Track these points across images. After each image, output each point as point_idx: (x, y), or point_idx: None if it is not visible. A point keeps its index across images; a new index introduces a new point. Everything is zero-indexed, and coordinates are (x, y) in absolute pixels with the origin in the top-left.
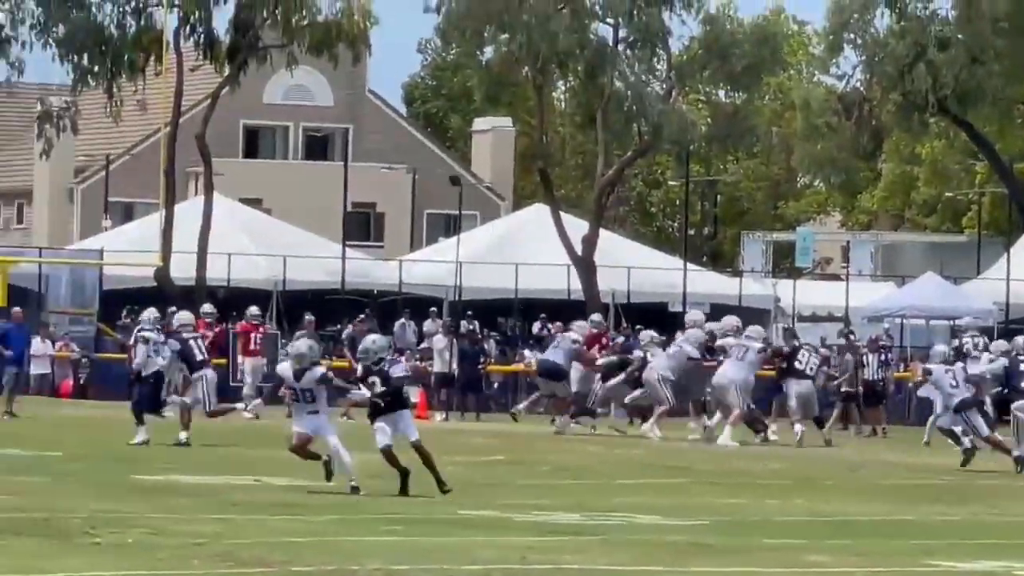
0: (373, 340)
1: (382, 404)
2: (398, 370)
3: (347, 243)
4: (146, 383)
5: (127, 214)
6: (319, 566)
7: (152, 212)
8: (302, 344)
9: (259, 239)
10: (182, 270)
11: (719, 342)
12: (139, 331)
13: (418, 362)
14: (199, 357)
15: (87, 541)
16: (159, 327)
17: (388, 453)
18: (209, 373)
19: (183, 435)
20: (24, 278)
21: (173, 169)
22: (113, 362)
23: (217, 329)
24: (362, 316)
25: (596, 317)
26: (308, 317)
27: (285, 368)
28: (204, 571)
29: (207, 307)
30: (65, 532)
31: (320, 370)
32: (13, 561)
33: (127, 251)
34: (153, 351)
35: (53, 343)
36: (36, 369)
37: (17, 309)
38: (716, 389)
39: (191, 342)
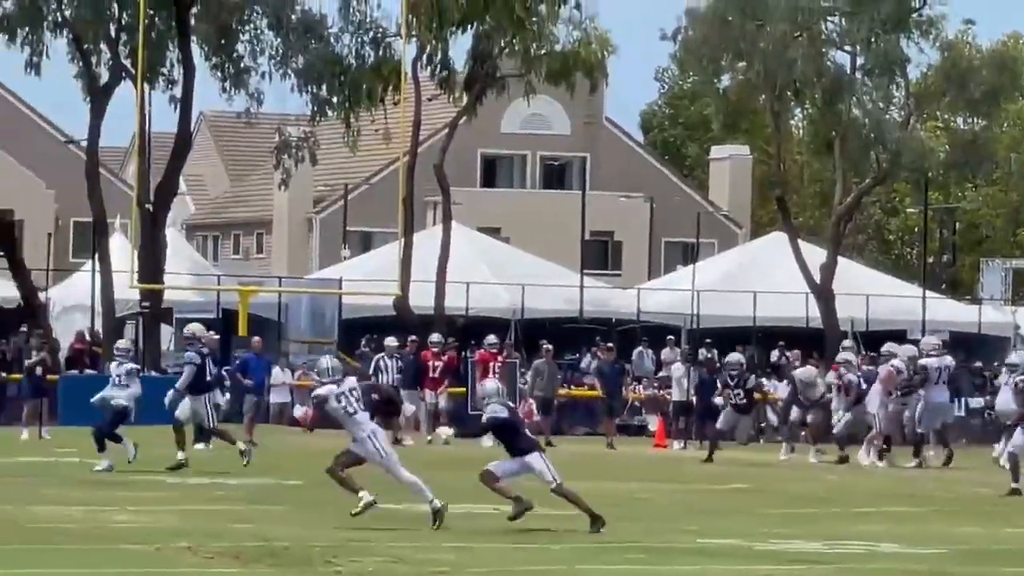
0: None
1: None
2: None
3: (585, 271)
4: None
5: (365, 243)
6: None
7: (391, 241)
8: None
9: (497, 268)
10: (421, 299)
11: (920, 361)
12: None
13: (656, 391)
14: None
15: (329, 570)
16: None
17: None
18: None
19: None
20: (264, 307)
21: (412, 198)
22: None
23: (446, 357)
24: (609, 344)
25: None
26: (546, 346)
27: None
28: None
29: (435, 336)
30: (306, 560)
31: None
32: None
33: (366, 280)
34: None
35: (292, 372)
36: (275, 398)
37: (257, 338)
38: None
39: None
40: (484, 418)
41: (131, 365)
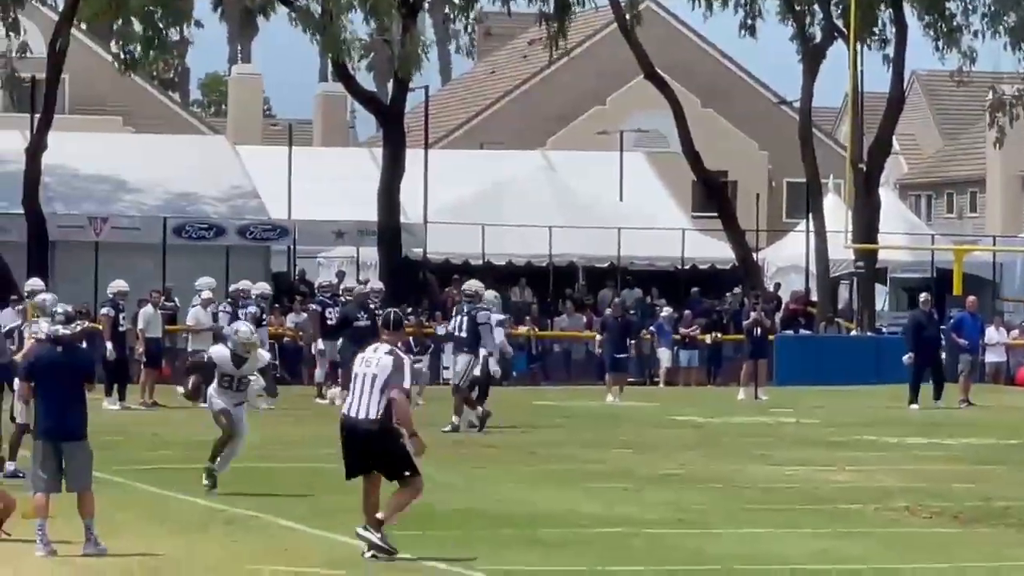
0: None
1: None
2: None
3: None
4: None
5: None
6: None
7: None
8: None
9: None
10: None
11: None
12: None
13: None
14: None
15: None
16: None
17: None
18: None
19: None
20: (978, 266)
21: None
22: None
23: None
24: None
25: None
26: None
27: None
28: None
29: None
30: None
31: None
32: (978, 550)
33: None
34: None
35: (1008, 331)
36: (991, 357)
37: (972, 298)
38: None
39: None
40: None
41: None
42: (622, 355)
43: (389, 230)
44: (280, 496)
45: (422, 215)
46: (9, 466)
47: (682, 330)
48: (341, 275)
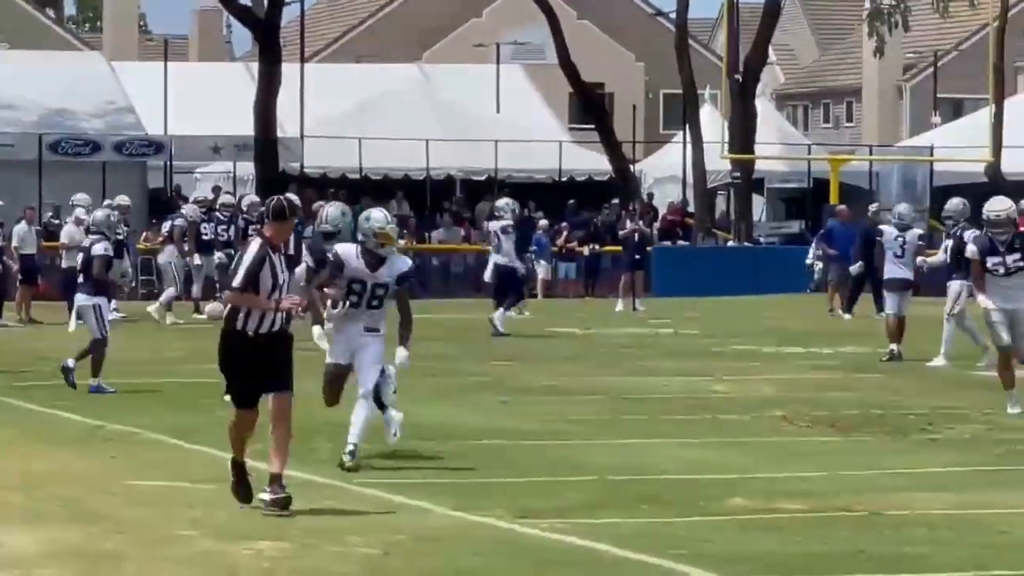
0: None
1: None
2: None
3: None
4: None
5: (956, 110)
6: None
7: (981, 107)
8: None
9: None
10: (1013, 165)
11: None
12: None
13: None
14: None
15: (924, 437)
16: None
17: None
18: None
19: None
20: (855, 176)
21: (1002, 63)
22: None
23: None
24: None
25: None
26: None
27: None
28: None
29: None
30: (902, 428)
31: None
32: (855, 457)
33: (957, 147)
34: None
35: None
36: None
37: (842, 207)
38: None
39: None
40: None
41: None
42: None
43: (265, 145)
44: (160, 412)
45: (299, 130)
46: None
47: (559, 242)
48: (217, 190)
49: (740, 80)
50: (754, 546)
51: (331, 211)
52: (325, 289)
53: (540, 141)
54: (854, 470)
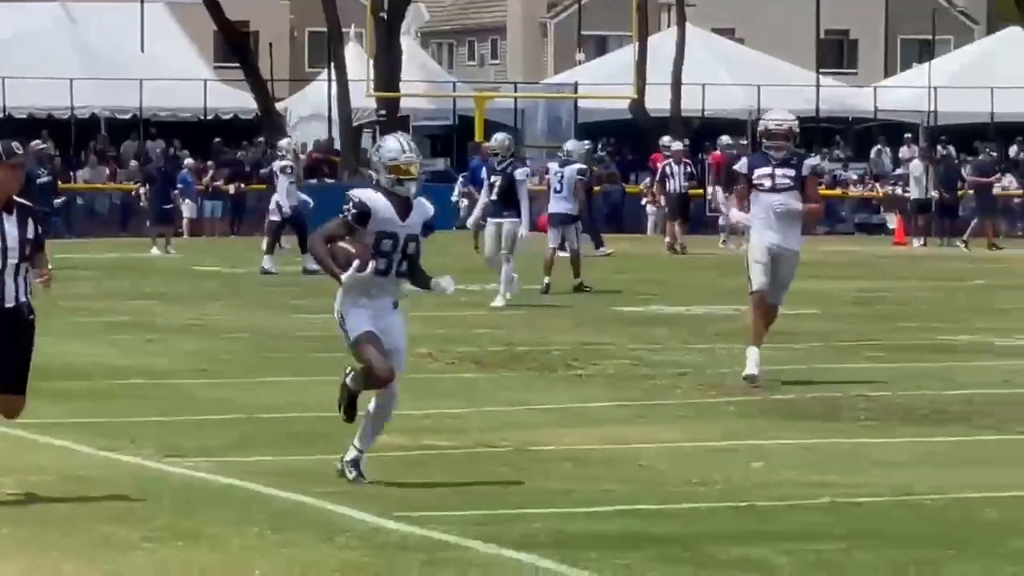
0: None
1: None
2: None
3: (821, 71)
4: None
5: (600, 47)
6: (800, 394)
7: (625, 45)
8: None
9: (733, 69)
10: (657, 102)
11: None
12: None
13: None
14: None
15: (570, 373)
16: None
17: None
18: None
19: None
20: (500, 113)
21: (646, 2)
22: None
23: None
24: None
25: None
26: None
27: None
28: (689, 400)
29: (666, 139)
30: (548, 364)
31: None
32: (501, 394)
33: (602, 84)
34: None
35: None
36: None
37: (485, 144)
38: None
39: None
40: None
41: None
42: (168, 206)
43: None
44: None
45: None
46: None
47: (205, 180)
48: None
49: (385, 19)
50: (400, 482)
51: None
52: (342, 244)
53: (185, 79)
54: (500, 406)
